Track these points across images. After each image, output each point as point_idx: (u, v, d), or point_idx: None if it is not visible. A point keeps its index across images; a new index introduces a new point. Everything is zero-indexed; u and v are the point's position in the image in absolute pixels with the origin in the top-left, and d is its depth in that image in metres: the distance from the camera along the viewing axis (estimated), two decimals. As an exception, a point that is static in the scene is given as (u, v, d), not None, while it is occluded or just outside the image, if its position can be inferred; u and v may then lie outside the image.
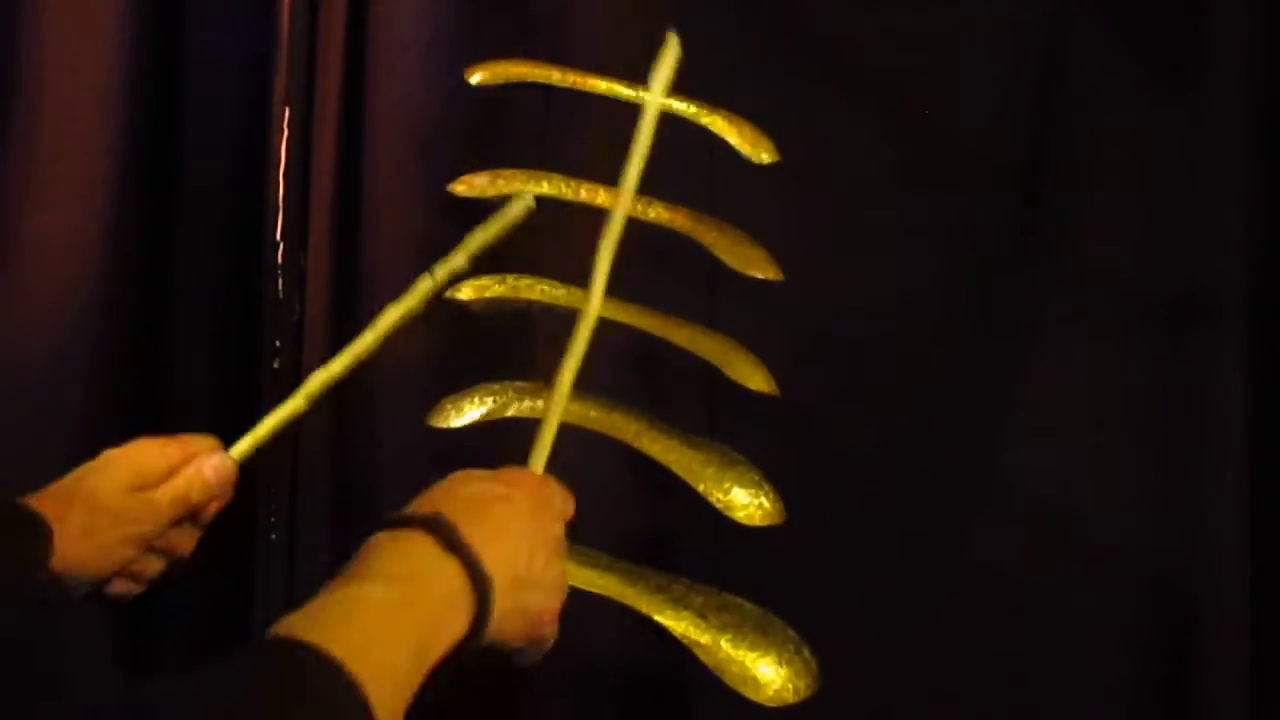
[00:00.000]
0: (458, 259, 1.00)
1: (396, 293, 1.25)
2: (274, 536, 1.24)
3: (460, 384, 1.13)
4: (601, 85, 1.10)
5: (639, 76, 1.10)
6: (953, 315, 1.25)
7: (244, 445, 1.03)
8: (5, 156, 1.21)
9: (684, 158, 1.17)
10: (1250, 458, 1.18)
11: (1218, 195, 1.20)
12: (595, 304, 0.93)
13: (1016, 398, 1.24)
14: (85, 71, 1.22)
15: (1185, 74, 1.21)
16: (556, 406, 0.92)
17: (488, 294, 1.11)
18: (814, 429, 1.22)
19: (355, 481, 1.27)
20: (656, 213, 1.09)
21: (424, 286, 1.02)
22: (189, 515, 1.00)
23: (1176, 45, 1.21)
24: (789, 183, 1.19)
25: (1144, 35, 1.23)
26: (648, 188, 1.09)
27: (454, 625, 0.75)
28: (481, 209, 1.13)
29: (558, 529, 0.85)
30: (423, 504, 0.81)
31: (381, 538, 0.77)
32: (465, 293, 1.11)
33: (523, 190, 1.10)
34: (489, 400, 1.10)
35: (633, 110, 1.07)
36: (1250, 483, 1.18)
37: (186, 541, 1.02)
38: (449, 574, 0.75)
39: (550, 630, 0.84)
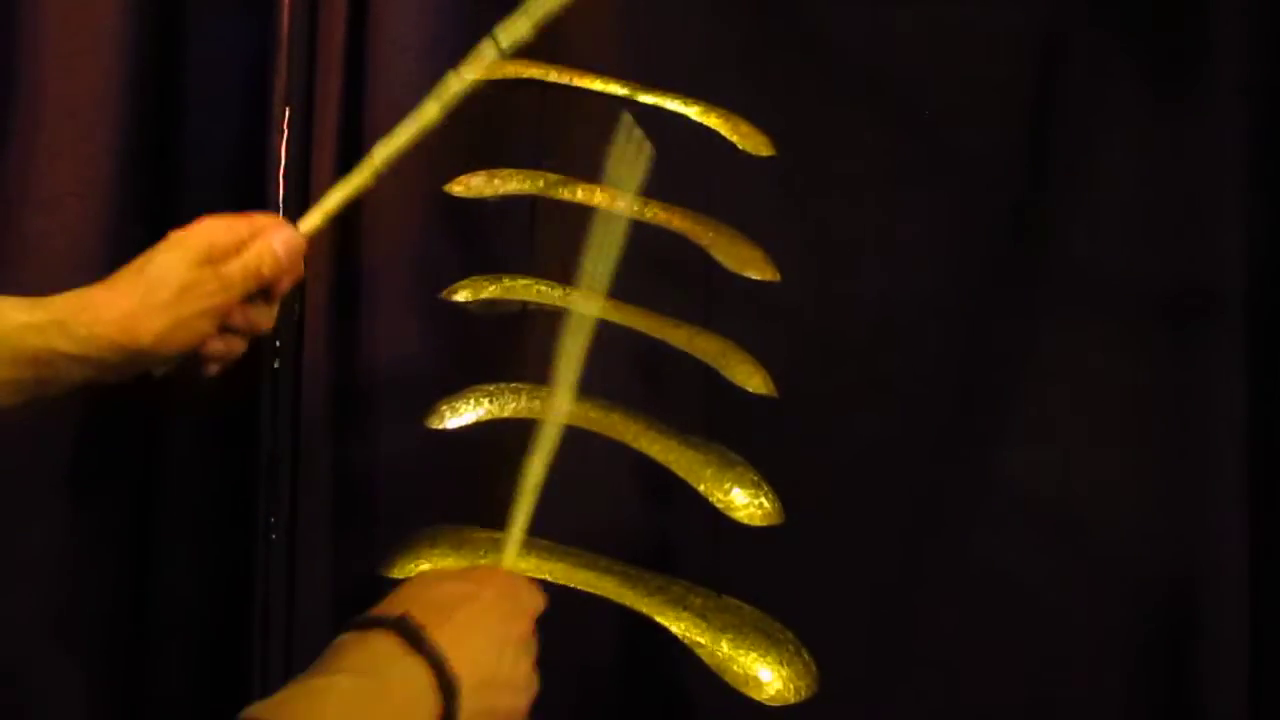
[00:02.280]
0: (521, 25, 0.99)
1: (396, 293, 1.26)
2: (274, 536, 1.24)
3: (458, 384, 1.13)
4: (598, 84, 1.10)
5: (637, 76, 1.10)
6: (953, 315, 1.25)
7: (313, 219, 1.05)
8: (5, 156, 1.21)
9: (682, 158, 1.17)
10: (1250, 458, 1.18)
11: (1218, 195, 1.20)
12: (563, 408, 0.94)
13: (1016, 398, 1.24)
14: (85, 71, 1.22)
15: (1185, 74, 1.21)
16: (525, 503, 0.93)
17: (484, 294, 1.11)
18: (812, 430, 1.22)
19: (355, 481, 1.27)
20: (654, 213, 1.09)
21: (488, 53, 1.02)
22: (261, 291, 1.02)
23: (1176, 45, 1.21)
24: (788, 183, 1.20)
25: (1144, 35, 1.23)
26: (646, 187, 1.10)
27: None
28: (481, 209, 1.14)
29: (525, 627, 0.87)
30: (390, 605, 0.82)
31: (349, 637, 0.78)
32: (462, 293, 1.11)
33: (520, 190, 1.10)
34: (485, 401, 1.10)
35: (631, 107, 1.08)
36: (1250, 483, 1.18)
37: (264, 318, 1.04)
38: (416, 674, 0.77)
39: None
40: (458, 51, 1.21)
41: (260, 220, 1.03)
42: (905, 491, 1.23)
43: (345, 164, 1.25)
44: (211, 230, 1.00)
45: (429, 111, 1.04)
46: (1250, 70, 1.19)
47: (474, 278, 1.10)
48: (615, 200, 1.00)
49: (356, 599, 1.22)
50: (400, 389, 1.25)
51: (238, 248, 1.00)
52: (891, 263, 1.25)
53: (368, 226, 1.26)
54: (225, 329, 1.02)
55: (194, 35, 1.28)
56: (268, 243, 1.01)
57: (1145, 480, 1.22)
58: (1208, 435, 1.19)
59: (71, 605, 1.24)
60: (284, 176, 1.24)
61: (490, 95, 1.11)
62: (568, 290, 1.03)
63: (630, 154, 0.98)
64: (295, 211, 1.24)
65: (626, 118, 0.99)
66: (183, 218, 1.27)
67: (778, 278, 1.06)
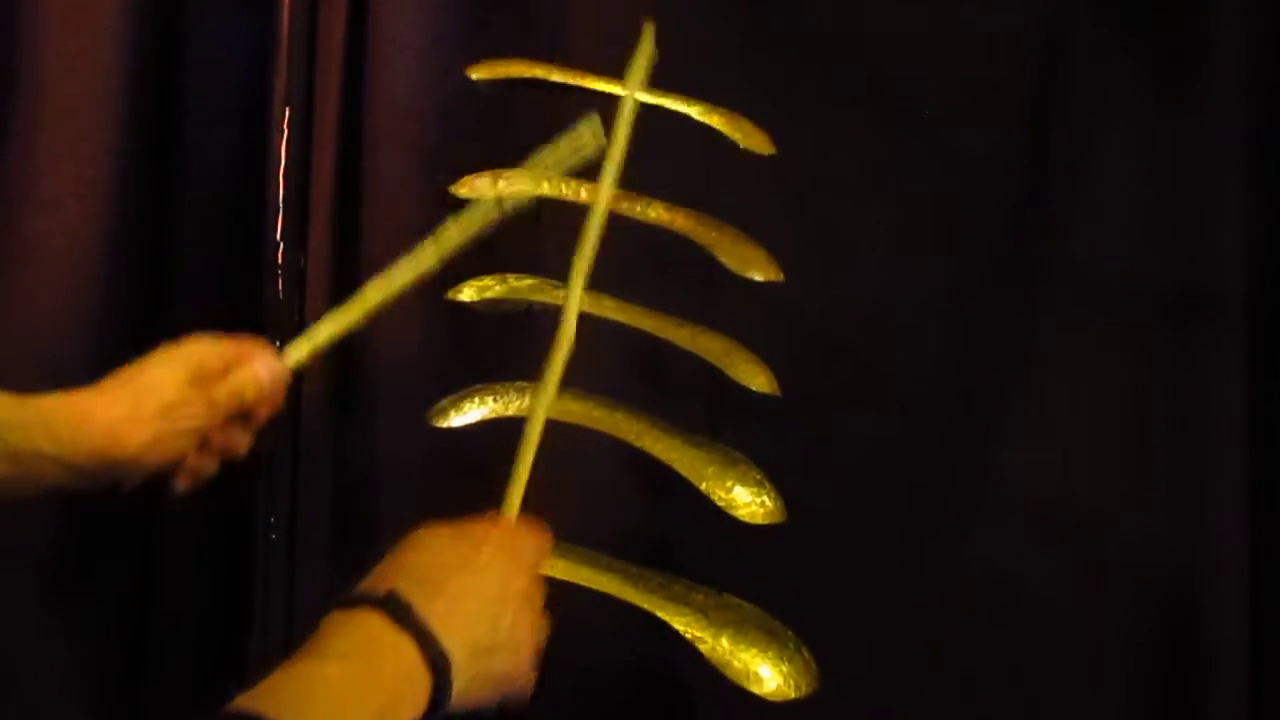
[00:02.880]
0: (524, 183, 0.99)
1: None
2: (274, 536, 1.24)
3: (460, 384, 1.13)
4: (601, 84, 1.10)
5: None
6: (952, 315, 1.25)
7: (300, 352, 1.06)
8: (5, 156, 1.21)
9: (684, 158, 1.17)
10: (1250, 458, 1.18)
11: (1218, 195, 1.20)
12: (569, 330, 0.93)
13: (1016, 398, 1.24)
14: (85, 71, 1.22)
15: (1185, 74, 1.21)
16: (529, 447, 0.92)
17: (488, 294, 1.11)
18: (814, 429, 1.22)
19: (355, 481, 1.27)
20: (656, 213, 1.09)
21: (489, 209, 1.02)
22: (241, 416, 1.02)
23: (1176, 45, 1.21)
24: (789, 183, 1.20)
25: (1144, 35, 1.23)
26: (647, 188, 1.10)
27: (413, 703, 0.75)
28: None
29: (522, 582, 0.85)
30: (380, 576, 0.81)
31: (338, 616, 0.77)
32: (465, 293, 1.11)
33: (525, 191, 1.10)
34: (489, 400, 1.10)
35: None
36: (1250, 483, 1.18)
37: (241, 441, 1.04)
38: (405, 654, 0.76)
39: (524, 683, 0.85)
40: (458, 51, 1.21)
41: (248, 346, 1.04)
42: (906, 490, 1.23)
43: (345, 164, 1.26)
44: (202, 351, 1.02)
45: (426, 257, 1.04)
46: (1250, 70, 1.19)
47: (478, 277, 1.10)
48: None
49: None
50: (401, 389, 1.25)
51: (226, 369, 1.02)
52: (892, 262, 1.25)
53: (370, 227, 1.26)
54: (201, 449, 1.03)
55: (194, 35, 1.28)
56: (253, 370, 1.03)
57: (1145, 480, 1.22)
58: (1208, 435, 1.20)
59: (72, 605, 1.24)
60: (284, 176, 1.24)
61: (494, 96, 1.11)
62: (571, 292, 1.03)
63: (582, 142, 0.99)
64: (295, 212, 1.24)
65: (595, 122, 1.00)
66: (183, 218, 1.28)
67: (781, 277, 1.06)
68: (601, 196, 0.94)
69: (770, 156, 1.09)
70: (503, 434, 1.07)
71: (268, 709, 0.68)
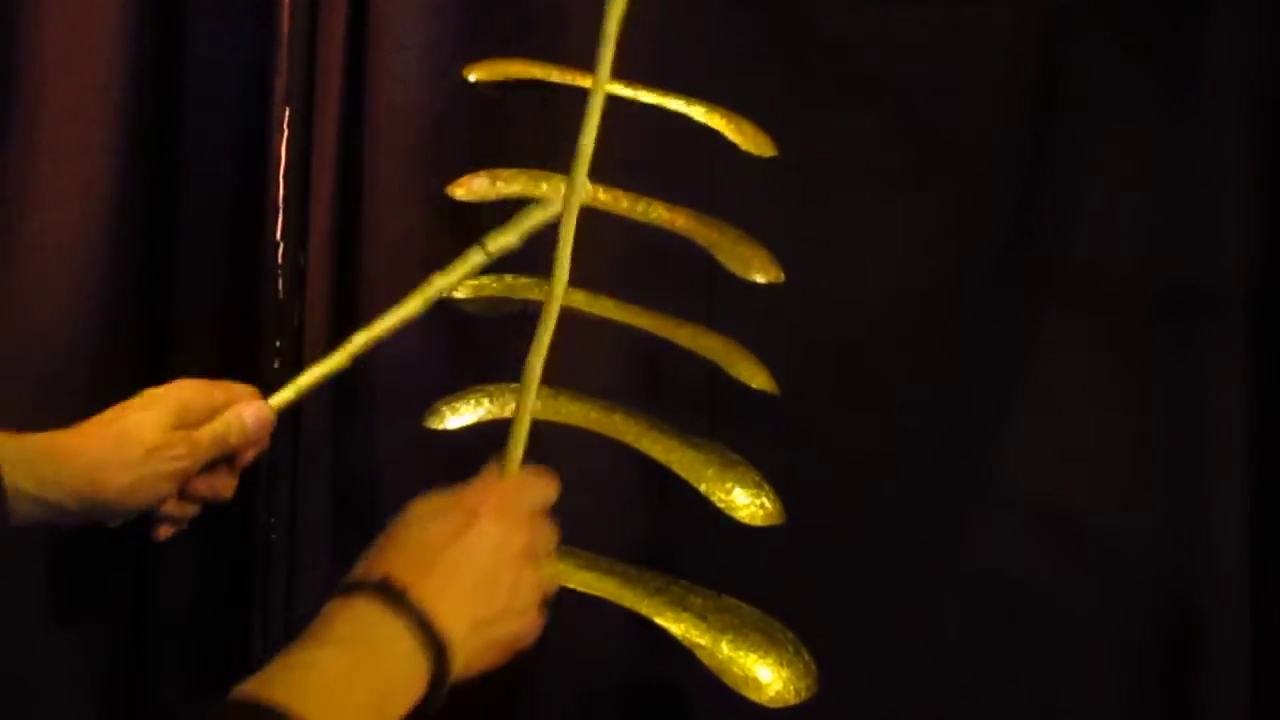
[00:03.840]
0: (510, 237, 1.00)
1: (396, 293, 1.25)
2: (274, 536, 1.24)
3: (459, 384, 1.13)
4: (591, 82, 1.09)
5: (638, 75, 1.10)
6: (953, 315, 1.25)
7: (284, 395, 1.07)
8: (4, 156, 1.21)
9: (684, 158, 1.17)
10: (1250, 457, 1.18)
11: (1218, 195, 1.20)
12: (559, 291, 0.93)
13: (1016, 398, 1.24)
14: (85, 70, 1.22)
15: (1185, 74, 1.21)
16: (527, 398, 0.92)
17: (486, 294, 1.11)
18: (814, 429, 1.22)
19: (355, 481, 1.27)
20: (656, 213, 1.09)
21: (475, 259, 1.03)
22: (225, 459, 1.03)
23: (1177, 45, 1.21)
24: (789, 183, 1.20)
25: (1144, 35, 1.23)
26: (648, 188, 1.10)
27: (413, 685, 0.76)
28: (481, 209, 1.14)
29: (523, 539, 0.85)
30: (376, 557, 0.82)
31: (334, 604, 0.78)
32: (463, 292, 1.11)
33: (523, 191, 1.10)
34: (485, 401, 1.10)
35: (633, 109, 1.08)
36: (1250, 483, 1.18)
37: (224, 486, 1.06)
38: (402, 638, 0.76)
39: (530, 640, 0.85)
40: (458, 51, 1.21)
41: (234, 389, 1.05)
42: (906, 491, 1.23)
43: (345, 164, 1.26)
44: (186, 394, 1.02)
45: (411, 305, 1.06)
46: (1250, 71, 1.19)
47: (476, 277, 1.10)
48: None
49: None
50: (400, 389, 1.25)
51: (211, 412, 1.03)
52: (891, 262, 1.25)
53: (369, 228, 1.26)
54: (184, 493, 1.03)
55: (194, 35, 1.28)
56: (238, 413, 1.04)
57: (1145, 480, 1.21)
58: (1208, 435, 1.19)
59: (72, 605, 1.24)
60: (284, 176, 1.24)
61: (493, 97, 1.11)
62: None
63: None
64: (295, 212, 1.24)
65: None
66: (183, 217, 1.28)
67: (782, 278, 1.06)
68: (575, 192, 0.94)
69: (771, 157, 1.10)
70: (502, 434, 1.07)
71: (269, 696, 0.69)
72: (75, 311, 1.22)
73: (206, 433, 1.02)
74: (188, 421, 1.01)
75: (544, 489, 0.89)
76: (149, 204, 1.26)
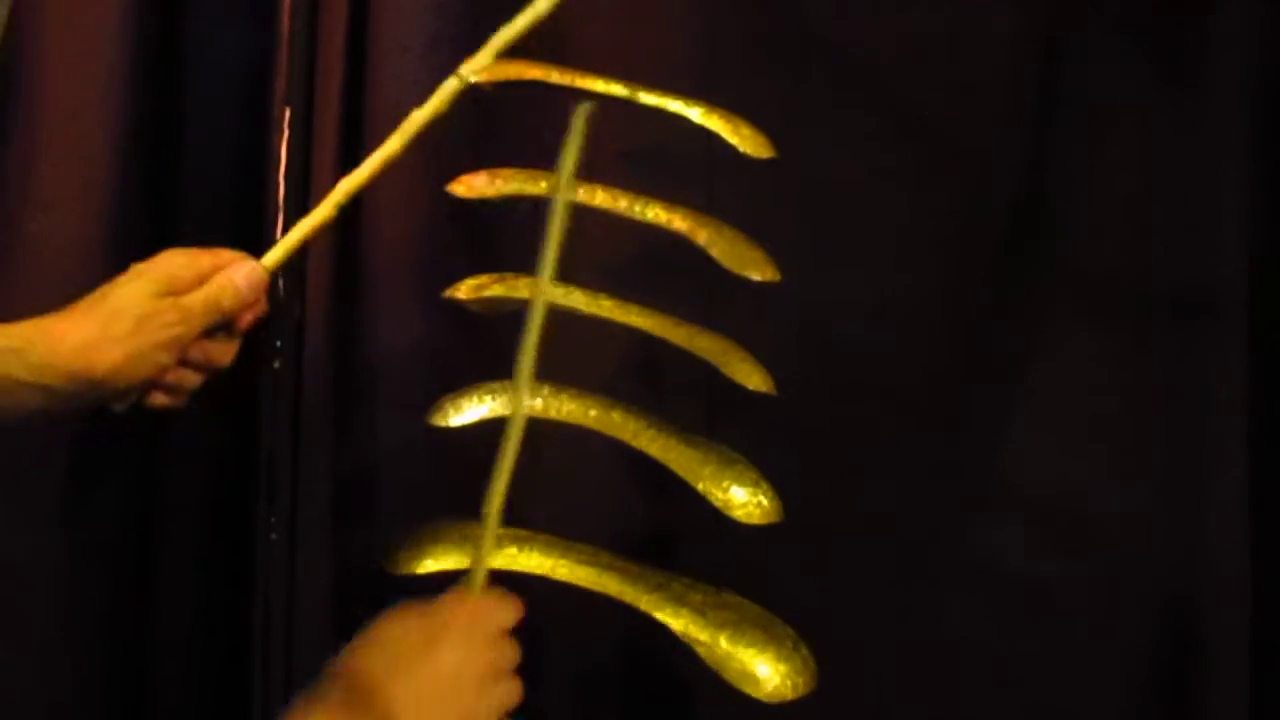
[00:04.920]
0: (483, 57, 1.00)
1: (398, 293, 1.26)
2: (274, 536, 1.24)
3: (460, 384, 1.13)
4: (599, 85, 1.10)
5: (638, 76, 1.10)
6: (953, 315, 1.25)
7: (275, 254, 1.07)
8: (5, 157, 1.21)
9: (683, 158, 1.17)
10: (1250, 458, 1.18)
11: (1218, 195, 1.20)
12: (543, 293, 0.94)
13: (1017, 398, 1.24)
14: (86, 71, 1.22)
15: (1185, 74, 1.21)
16: (490, 533, 0.93)
17: (486, 293, 1.11)
18: (812, 429, 1.22)
19: (355, 481, 1.27)
20: (654, 213, 1.08)
21: (450, 86, 1.03)
22: (224, 325, 1.02)
23: (1177, 46, 1.21)
24: (788, 183, 1.20)
25: (1144, 35, 1.23)
26: (647, 188, 1.10)
27: None
28: (481, 209, 1.14)
29: (488, 658, 0.87)
30: (346, 668, 0.82)
31: (304, 710, 0.79)
32: (465, 293, 1.11)
33: (522, 190, 1.10)
34: (488, 399, 1.10)
35: (631, 108, 1.08)
36: (1250, 483, 1.18)
37: (223, 353, 1.05)
38: None
39: None
40: (457, 51, 1.21)
41: (223, 254, 1.04)
42: (904, 490, 1.23)
43: (345, 164, 1.26)
44: (172, 262, 1.01)
45: (392, 144, 1.06)
46: (1250, 70, 1.19)
47: (476, 277, 1.10)
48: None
49: (356, 599, 1.23)
50: (401, 388, 1.25)
51: (199, 280, 1.01)
52: (891, 263, 1.25)
53: (369, 227, 1.26)
54: (184, 363, 1.02)
55: (194, 35, 1.28)
56: (229, 275, 1.03)
57: (1145, 480, 1.21)
58: (1208, 435, 1.19)
59: (72, 605, 1.24)
60: (284, 176, 1.24)
61: (492, 96, 1.11)
62: (569, 290, 1.03)
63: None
64: (295, 212, 1.24)
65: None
66: (183, 218, 1.28)
67: (779, 278, 1.06)
68: (560, 193, 0.95)
69: (770, 158, 1.10)
70: (502, 434, 1.07)
71: None
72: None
73: (199, 298, 1.00)
74: (176, 289, 1.00)
75: (509, 610, 0.91)
76: (149, 204, 1.26)
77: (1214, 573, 1.19)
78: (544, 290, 0.95)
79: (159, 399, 1.04)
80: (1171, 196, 1.22)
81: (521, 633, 0.90)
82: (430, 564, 1.06)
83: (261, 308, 1.07)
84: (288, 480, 1.25)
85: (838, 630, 1.12)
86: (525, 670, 0.90)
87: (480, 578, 0.93)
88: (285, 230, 1.24)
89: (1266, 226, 1.20)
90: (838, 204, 1.26)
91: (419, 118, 1.05)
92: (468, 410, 1.11)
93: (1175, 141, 1.21)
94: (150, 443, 1.26)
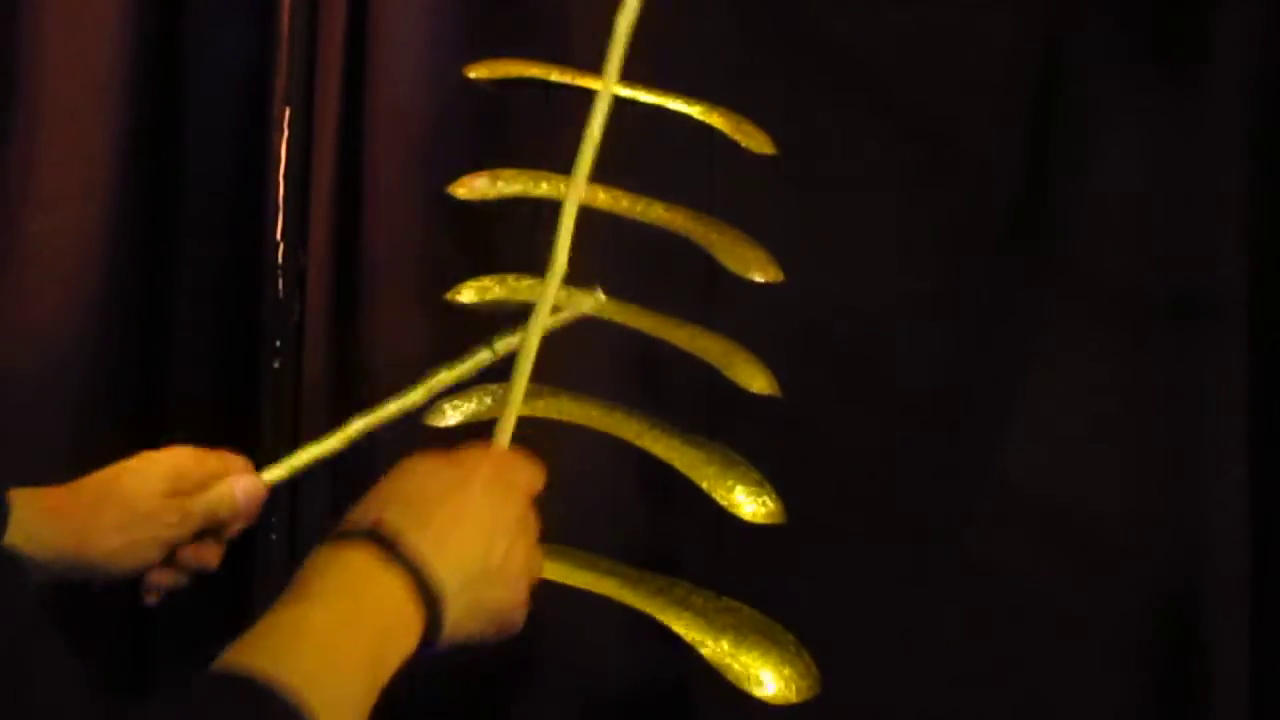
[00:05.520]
0: (518, 339, 1.00)
1: (398, 294, 1.25)
2: (274, 536, 1.24)
3: (458, 385, 1.13)
4: (601, 84, 1.10)
5: (637, 75, 1.10)
6: (953, 315, 1.25)
7: (277, 472, 1.06)
8: (5, 157, 1.21)
9: (684, 158, 1.17)
10: (1250, 458, 1.18)
11: (1218, 195, 1.20)
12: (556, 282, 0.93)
13: (1017, 398, 1.24)
14: (85, 71, 1.22)
15: (1185, 74, 1.21)
16: (522, 375, 0.91)
17: (488, 295, 1.11)
18: (814, 430, 1.22)
19: (355, 481, 1.26)
20: (656, 213, 1.09)
21: (482, 357, 1.02)
22: (213, 530, 1.02)
23: (1177, 45, 1.21)
24: (789, 183, 1.20)
25: (1145, 35, 1.23)
26: (647, 188, 1.10)
27: (405, 639, 0.74)
28: (481, 209, 1.14)
29: (517, 510, 0.83)
30: (368, 507, 0.79)
31: (324, 553, 0.75)
32: (465, 294, 1.11)
33: (523, 191, 1.10)
34: (487, 400, 1.10)
35: (633, 109, 1.08)
36: (1250, 483, 1.18)
37: (212, 556, 1.04)
38: (394, 588, 0.74)
39: (518, 617, 0.83)
40: (457, 51, 1.21)
41: (229, 460, 1.04)
42: (906, 491, 1.23)
43: (345, 164, 1.26)
44: (180, 462, 1.02)
45: (413, 396, 1.05)
46: (1250, 70, 1.19)
47: (477, 279, 1.10)
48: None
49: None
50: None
51: (206, 481, 1.02)
52: (891, 263, 1.25)
53: (369, 227, 1.26)
54: (170, 561, 1.02)
55: (194, 35, 1.28)
56: (230, 487, 1.02)
57: (1145, 481, 1.21)
58: (1208, 435, 1.19)
59: (71, 606, 1.23)
60: (284, 176, 1.24)
61: (493, 96, 1.11)
62: (570, 291, 1.03)
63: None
64: (295, 212, 1.24)
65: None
66: (183, 218, 1.28)
67: (780, 278, 1.06)
68: (573, 190, 0.94)
69: (771, 156, 1.09)
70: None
71: (256, 662, 0.66)
72: (75, 311, 1.22)
73: (199, 503, 1.01)
74: (181, 489, 1.00)
75: (536, 471, 0.87)
76: (149, 204, 1.26)
77: (1214, 573, 1.18)
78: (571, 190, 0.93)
79: (148, 597, 1.03)
80: (1171, 196, 1.22)
81: (524, 635, 0.89)
82: (467, 408, 1.08)
83: (253, 520, 1.06)
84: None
85: (838, 631, 1.12)
86: (526, 671, 0.89)
87: (506, 433, 0.90)
88: (285, 232, 1.24)
89: (1266, 226, 1.20)
90: (838, 204, 1.26)
91: (444, 377, 1.05)
92: (466, 410, 1.11)
93: (1175, 141, 1.21)
94: (150, 443, 1.26)
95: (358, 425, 1.06)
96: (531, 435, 0.93)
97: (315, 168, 1.25)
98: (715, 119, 1.10)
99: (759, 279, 1.06)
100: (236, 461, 1.04)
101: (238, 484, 1.03)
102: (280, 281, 1.24)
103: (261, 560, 1.24)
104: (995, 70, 1.25)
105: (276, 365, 1.24)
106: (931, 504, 1.23)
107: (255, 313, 1.25)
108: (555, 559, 1.03)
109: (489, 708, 0.98)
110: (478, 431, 1.10)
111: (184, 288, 1.28)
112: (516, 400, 0.92)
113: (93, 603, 1.23)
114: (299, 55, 1.25)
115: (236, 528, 1.05)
